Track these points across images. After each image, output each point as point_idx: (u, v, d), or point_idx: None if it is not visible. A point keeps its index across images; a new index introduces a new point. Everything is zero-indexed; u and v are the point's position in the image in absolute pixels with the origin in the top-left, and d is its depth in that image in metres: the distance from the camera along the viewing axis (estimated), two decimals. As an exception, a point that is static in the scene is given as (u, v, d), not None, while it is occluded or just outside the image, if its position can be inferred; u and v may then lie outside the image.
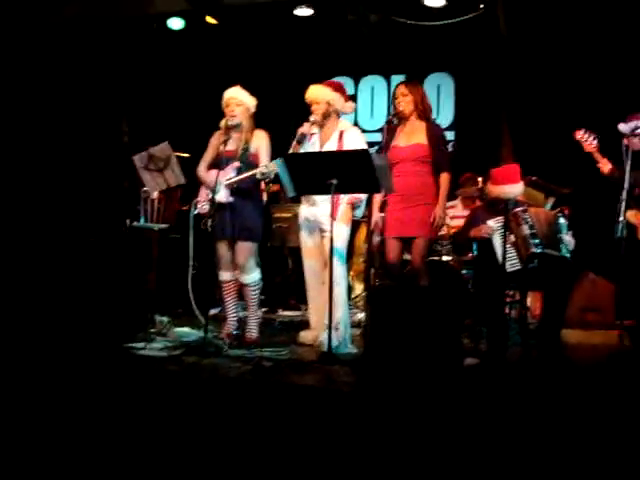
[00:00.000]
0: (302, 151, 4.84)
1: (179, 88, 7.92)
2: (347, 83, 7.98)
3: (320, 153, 4.71)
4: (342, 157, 4.39)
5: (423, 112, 4.97)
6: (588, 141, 5.36)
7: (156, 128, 7.45)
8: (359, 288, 6.93)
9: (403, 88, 5.00)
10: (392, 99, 5.18)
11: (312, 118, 4.87)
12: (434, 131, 4.96)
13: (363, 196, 4.81)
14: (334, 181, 4.23)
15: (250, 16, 7.23)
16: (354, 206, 4.85)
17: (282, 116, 7.36)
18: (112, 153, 6.98)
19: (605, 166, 5.29)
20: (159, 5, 6.87)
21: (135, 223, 6.13)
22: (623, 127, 5.27)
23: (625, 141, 5.25)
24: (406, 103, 4.94)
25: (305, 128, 4.85)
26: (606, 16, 6.61)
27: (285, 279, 7.08)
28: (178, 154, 6.21)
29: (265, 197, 6.35)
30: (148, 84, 7.91)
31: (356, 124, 7.89)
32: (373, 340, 3.89)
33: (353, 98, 8.08)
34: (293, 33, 7.51)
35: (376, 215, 4.96)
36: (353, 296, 6.80)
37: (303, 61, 7.77)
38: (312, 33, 7.44)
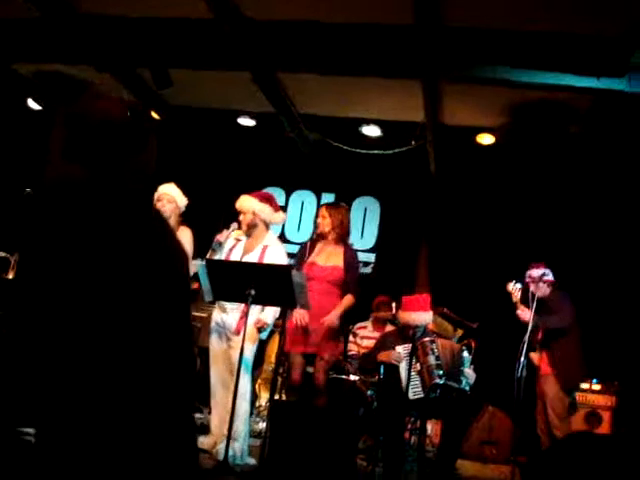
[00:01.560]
0: (217, 256, 4.90)
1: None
2: (279, 194, 8.23)
3: (242, 263, 4.77)
4: (263, 270, 4.48)
5: (339, 235, 5.21)
6: (515, 292, 5.67)
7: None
8: (264, 397, 6.88)
9: (324, 210, 5.27)
10: (315, 217, 5.38)
11: (232, 226, 4.96)
12: (350, 256, 5.23)
13: (270, 321, 4.85)
14: (252, 292, 4.29)
15: (196, 118, 7.45)
16: (260, 330, 4.83)
17: (211, 217, 7.49)
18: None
19: (524, 314, 5.55)
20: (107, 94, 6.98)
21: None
22: (531, 273, 5.63)
23: (531, 287, 5.60)
24: (324, 225, 5.17)
25: (222, 236, 4.91)
26: (527, 169, 7.15)
27: (191, 379, 6.97)
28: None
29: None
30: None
31: (283, 235, 8.09)
32: (271, 455, 3.89)
33: (282, 209, 8.33)
34: (234, 140, 7.75)
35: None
36: (257, 405, 6.75)
37: (240, 167, 7.98)
38: (252, 142, 7.70)
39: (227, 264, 4.68)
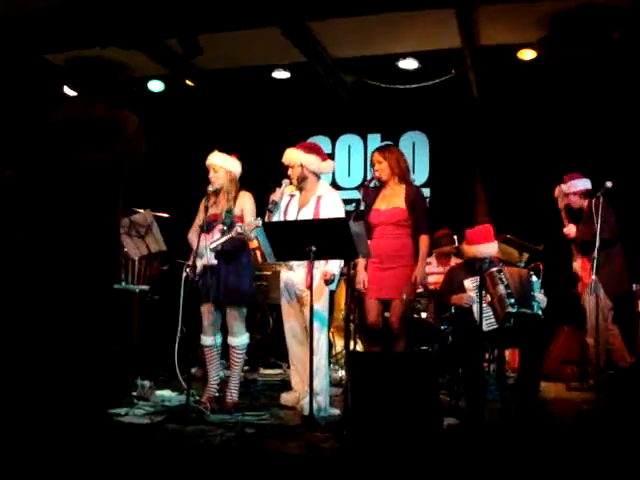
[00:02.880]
0: (275, 216, 4.92)
1: (160, 149, 8.05)
2: (324, 142, 8.19)
3: (299, 222, 4.79)
4: (320, 225, 4.47)
5: (400, 175, 5.14)
6: (560, 198, 5.74)
7: (137, 189, 7.55)
8: (340, 344, 6.98)
9: (378, 156, 5.16)
10: (370, 165, 5.30)
11: (284, 182, 4.92)
12: (413, 194, 5.12)
13: (337, 271, 4.86)
14: (313, 248, 4.30)
15: (230, 79, 7.40)
16: (327, 282, 4.86)
17: (262, 176, 7.49)
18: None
19: (570, 230, 5.63)
20: (139, 69, 6.99)
21: (116, 285, 6.17)
22: (564, 187, 5.66)
23: (566, 200, 5.64)
24: (382, 169, 5.10)
25: (276, 195, 4.89)
26: (572, 80, 6.90)
27: (266, 337, 7.12)
28: (158, 214, 6.32)
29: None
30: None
31: (333, 182, 8.06)
32: (353, 406, 3.95)
33: (330, 156, 8.26)
34: (272, 95, 7.68)
35: (362, 274, 5.07)
36: (334, 353, 6.85)
37: (282, 122, 7.92)
38: (290, 95, 7.63)
39: (283, 225, 4.69)
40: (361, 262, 5.11)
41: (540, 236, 6.52)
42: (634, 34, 5.71)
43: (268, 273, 6.96)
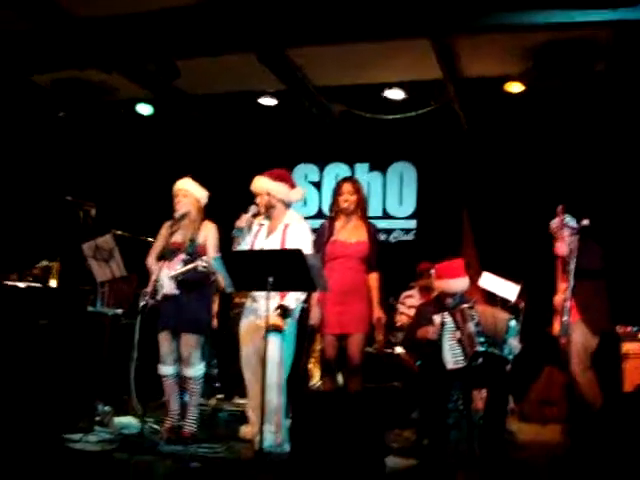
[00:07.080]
0: (243, 243, 4.76)
1: (147, 173, 8.04)
2: (312, 170, 8.15)
3: (255, 252, 4.64)
4: (277, 256, 4.36)
5: (364, 210, 5.10)
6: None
7: (122, 212, 7.53)
8: (317, 376, 6.85)
9: (350, 187, 5.07)
10: (335, 194, 5.16)
11: (251, 209, 4.78)
12: (373, 231, 5.11)
13: (293, 305, 4.62)
14: (270, 279, 4.19)
15: (217, 105, 7.37)
16: (283, 316, 4.59)
17: (245, 204, 7.43)
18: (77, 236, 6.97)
19: (561, 248, 5.31)
20: (125, 92, 6.97)
21: (90, 308, 6.11)
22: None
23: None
24: (352, 201, 5.01)
25: (242, 221, 4.73)
26: (562, 113, 6.80)
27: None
28: (149, 239, 6.23)
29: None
30: (117, 167, 8.06)
31: (320, 211, 8.00)
32: (298, 445, 3.83)
33: (317, 185, 8.21)
34: (258, 121, 7.64)
35: (316, 309, 4.95)
36: (311, 384, 6.73)
37: (269, 149, 7.83)
38: (276, 122, 7.58)
39: (241, 254, 4.58)
40: (314, 297, 4.96)
41: (527, 268, 6.35)
42: (618, 67, 5.62)
43: (243, 301, 6.84)
